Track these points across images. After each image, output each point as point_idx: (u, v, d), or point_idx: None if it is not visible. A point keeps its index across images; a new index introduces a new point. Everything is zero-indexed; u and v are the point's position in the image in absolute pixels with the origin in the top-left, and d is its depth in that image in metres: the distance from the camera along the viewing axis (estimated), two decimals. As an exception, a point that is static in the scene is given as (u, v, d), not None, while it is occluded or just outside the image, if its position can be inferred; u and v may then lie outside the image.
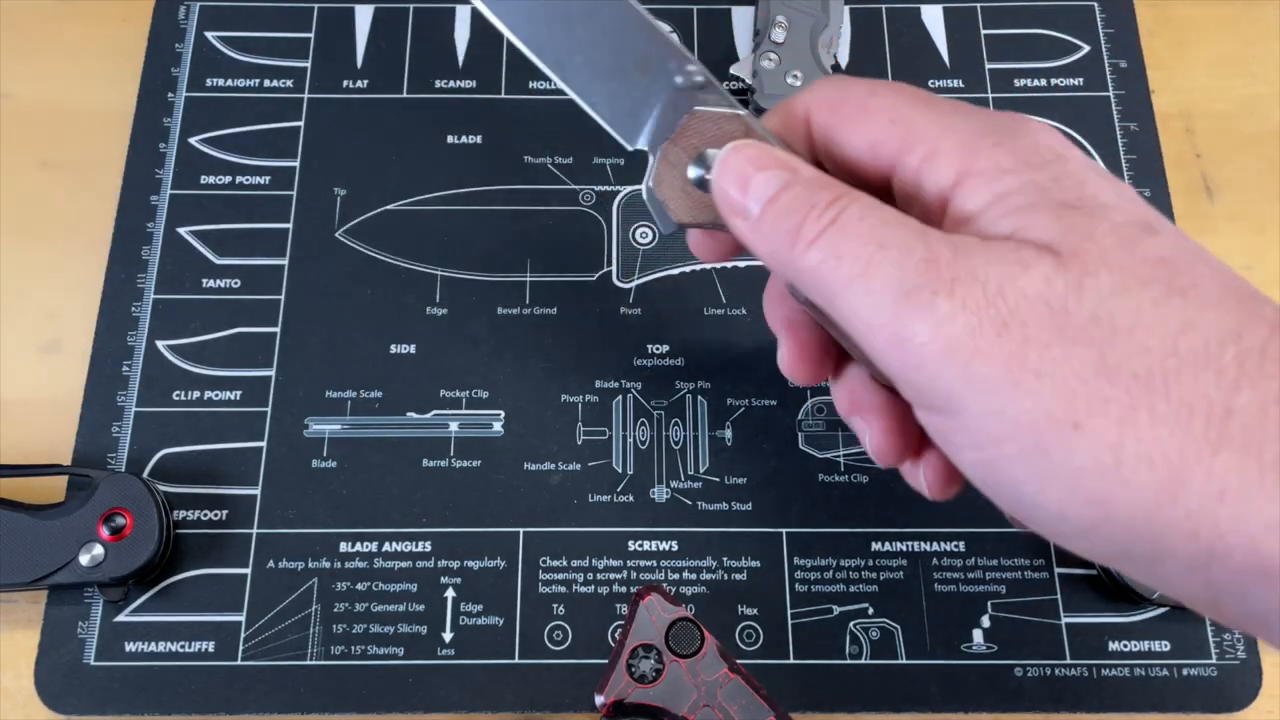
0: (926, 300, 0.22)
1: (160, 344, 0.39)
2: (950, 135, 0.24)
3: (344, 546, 0.36)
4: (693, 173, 0.27)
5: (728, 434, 0.38)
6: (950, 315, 0.21)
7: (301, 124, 0.42)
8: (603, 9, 0.28)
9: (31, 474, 0.36)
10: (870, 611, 0.35)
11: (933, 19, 0.44)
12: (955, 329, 0.21)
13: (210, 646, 0.35)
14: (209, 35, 0.44)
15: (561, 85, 0.29)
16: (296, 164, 0.41)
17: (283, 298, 0.39)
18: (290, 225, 0.41)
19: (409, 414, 0.38)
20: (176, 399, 0.38)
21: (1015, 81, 0.43)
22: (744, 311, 0.39)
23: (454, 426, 0.38)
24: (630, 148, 0.29)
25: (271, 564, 0.36)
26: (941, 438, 0.24)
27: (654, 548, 0.36)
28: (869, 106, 0.25)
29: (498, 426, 0.38)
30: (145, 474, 0.37)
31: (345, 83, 0.43)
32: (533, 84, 0.43)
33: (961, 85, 0.43)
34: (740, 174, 0.25)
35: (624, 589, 0.36)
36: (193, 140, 0.42)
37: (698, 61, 0.28)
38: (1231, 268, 0.23)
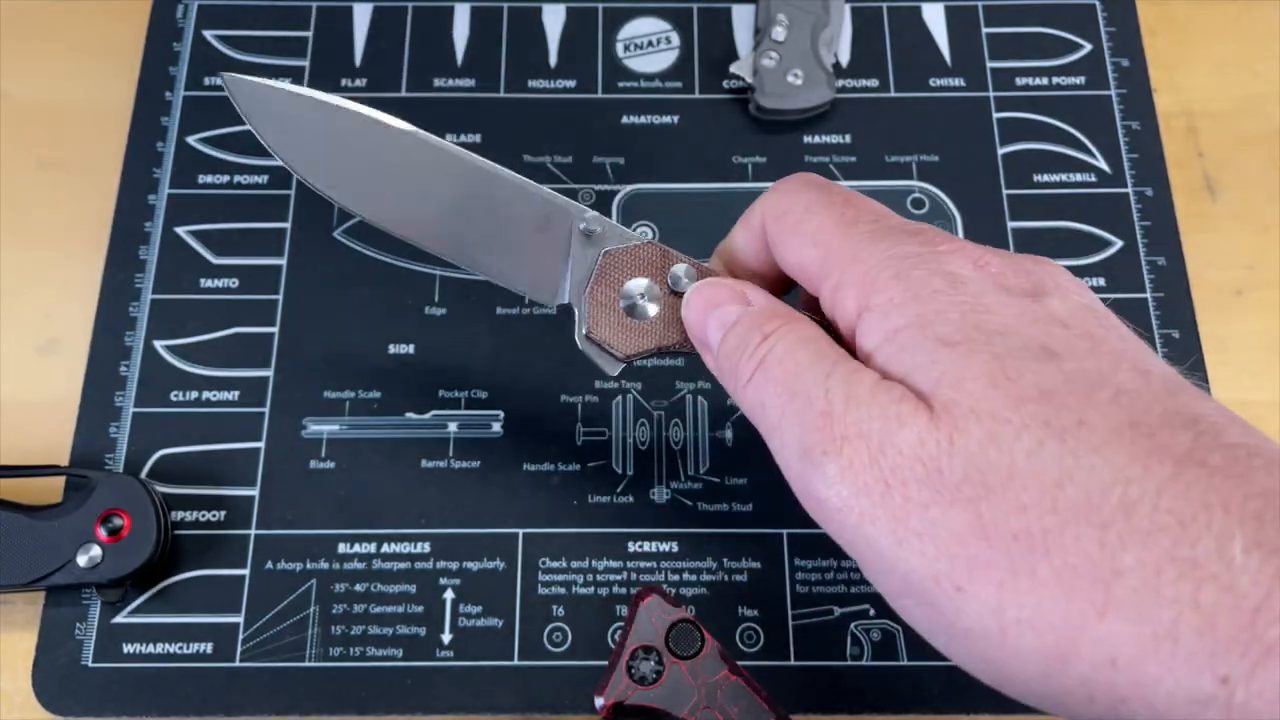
0: (818, 460, 0.22)
1: (158, 344, 0.38)
2: (855, 267, 0.24)
3: (342, 548, 0.36)
4: (623, 304, 0.29)
5: (728, 434, 0.37)
6: (839, 477, 0.22)
7: (300, 123, 0.42)
8: (489, 187, 0.30)
9: (29, 475, 0.35)
10: (871, 613, 0.35)
11: (934, 17, 0.44)
12: (845, 491, 0.22)
13: (208, 648, 0.35)
14: (207, 34, 0.43)
15: (477, 273, 0.31)
16: (295, 163, 0.41)
17: (280, 297, 0.39)
18: (288, 225, 0.40)
19: (408, 415, 0.38)
20: (174, 399, 0.38)
21: (1017, 80, 0.43)
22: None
23: (453, 427, 0.37)
24: (553, 306, 0.30)
25: (270, 565, 0.36)
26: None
27: (654, 549, 0.36)
28: (801, 226, 0.26)
29: (497, 427, 0.38)
30: (143, 475, 0.37)
31: (344, 81, 0.43)
32: (532, 83, 0.43)
33: (963, 84, 0.43)
34: (700, 317, 0.27)
35: (624, 590, 0.35)
36: (190, 140, 0.42)
37: (587, 207, 0.30)
38: (1157, 377, 0.21)
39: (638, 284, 0.29)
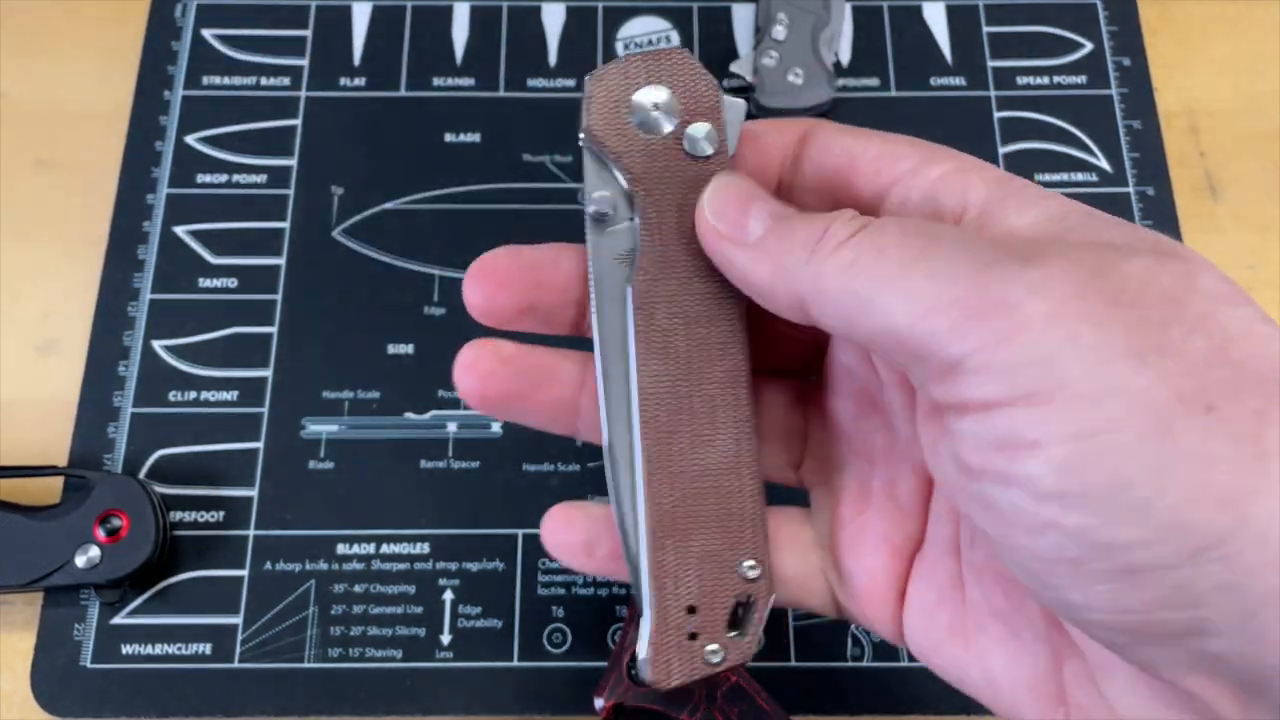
0: (1015, 268, 0.19)
1: (156, 344, 0.38)
2: (972, 159, 0.23)
3: (341, 548, 0.36)
4: (635, 119, 0.24)
5: (728, 434, 0.37)
6: (1052, 277, 0.18)
7: (298, 122, 0.42)
8: None
9: (27, 475, 0.35)
10: (871, 613, 0.35)
11: (935, 16, 0.44)
12: (1061, 290, 0.18)
13: (207, 649, 0.34)
14: (205, 33, 0.43)
15: None
16: (293, 163, 0.41)
17: (279, 297, 0.39)
18: (287, 224, 0.40)
19: (407, 414, 0.38)
20: (173, 399, 0.38)
21: (1018, 79, 0.43)
22: (744, 311, 0.39)
23: (452, 427, 0.37)
24: None
25: (269, 566, 0.35)
26: (1006, 443, 0.19)
27: (654, 549, 0.36)
28: (874, 131, 0.24)
29: (496, 427, 0.37)
30: (141, 475, 0.36)
31: (343, 81, 0.43)
32: (531, 82, 0.43)
33: (964, 83, 0.43)
34: (739, 202, 0.23)
35: (624, 591, 0.35)
36: (189, 139, 0.42)
37: None
38: None
39: (652, 93, 0.24)
